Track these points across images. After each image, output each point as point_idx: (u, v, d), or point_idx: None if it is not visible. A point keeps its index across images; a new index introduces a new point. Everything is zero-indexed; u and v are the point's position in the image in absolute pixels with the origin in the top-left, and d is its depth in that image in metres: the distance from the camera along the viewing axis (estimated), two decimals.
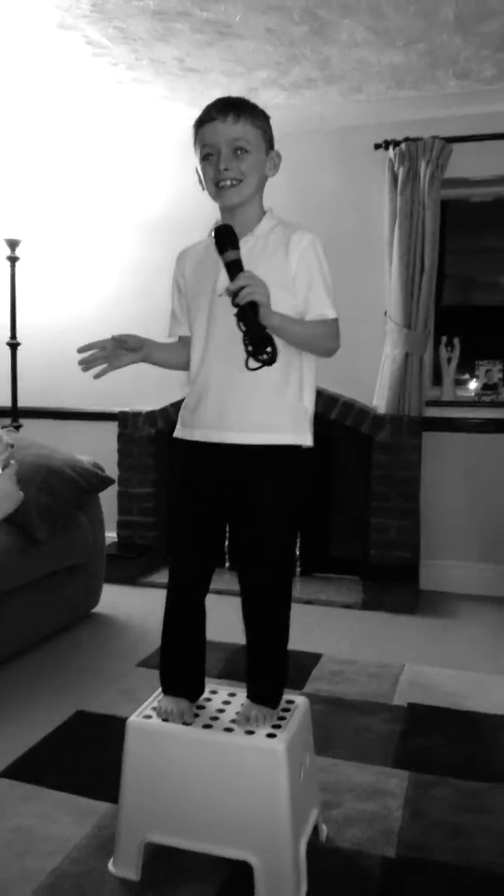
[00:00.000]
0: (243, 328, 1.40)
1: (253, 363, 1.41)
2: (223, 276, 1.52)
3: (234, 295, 1.41)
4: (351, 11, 2.78)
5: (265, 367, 1.44)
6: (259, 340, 1.39)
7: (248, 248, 1.51)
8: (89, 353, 1.57)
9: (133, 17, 2.88)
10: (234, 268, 1.43)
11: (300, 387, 1.58)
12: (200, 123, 1.52)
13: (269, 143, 1.56)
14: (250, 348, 1.40)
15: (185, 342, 1.68)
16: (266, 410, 1.53)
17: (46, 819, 1.72)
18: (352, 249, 3.71)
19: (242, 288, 1.40)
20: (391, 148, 3.59)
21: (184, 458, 1.61)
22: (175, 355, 1.69)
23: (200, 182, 1.57)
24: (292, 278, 1.52)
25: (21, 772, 1.93)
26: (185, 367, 1.67)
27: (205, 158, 1.52)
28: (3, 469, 1.38)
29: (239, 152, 1.50)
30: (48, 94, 3.69)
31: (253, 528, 1.56)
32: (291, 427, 1.55)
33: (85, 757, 2.02)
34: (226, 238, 1.46)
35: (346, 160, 3.78)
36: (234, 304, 1.41)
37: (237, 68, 3.34)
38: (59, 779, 1.89)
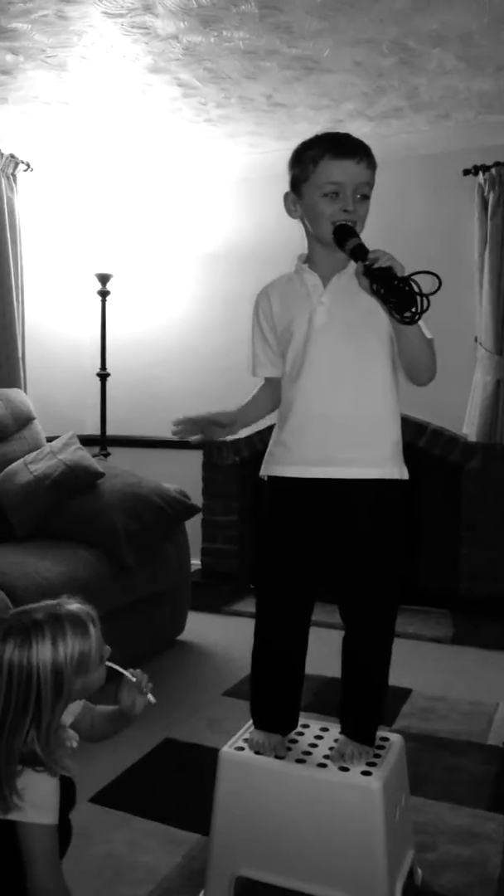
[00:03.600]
0: (382, 291, 1.34)
1: (406, 316, 1.34)
2: (321, 311, 1.52)
3: (369, 265, 1.36)
4: (441, 41, 2.78)
5: (367, 400, 1.49)
6: (406, 293, 1.32)
7: (342, 285, 1.50)
8: (182, 426, 1.60)
9: (223, 58, 2.96)
10: (362, 249, 1.40)
11: (397, 420, 1.56)
12: (328, 157, 1.47)
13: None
14: (395, 304, 1.33)
15: (271, 383, 1.67)
16: (369, 444, 1.51)
17: (136, 847, 1.72)
18: (440, 276, 3.66)
19: (377, 259, 1.35)
20: (481, 173, 3.55)
21: (278, 494, 1.59)
22: (265, 405, 1.69)
23: (291, 211, 1.56)
24: (384, 315, 1.47)
25: (111, 798, 1.94)
26: (275, 408, 1.67)
27: (326, 195, 1.48)
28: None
29: (360, 197, 1.49)
30: (138, 135, 3.82)
31: (359, 563, 1.53)
32: (393, 461, 1.53)
33: (174, 786, 2.02)
34: (347, 232, 1.44)
35: (434, 187, 3.76)
36: (369, 273, 1.35)
37: (324, 101, 3.38)
38: (149, 807, 1.89)
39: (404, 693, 2.66)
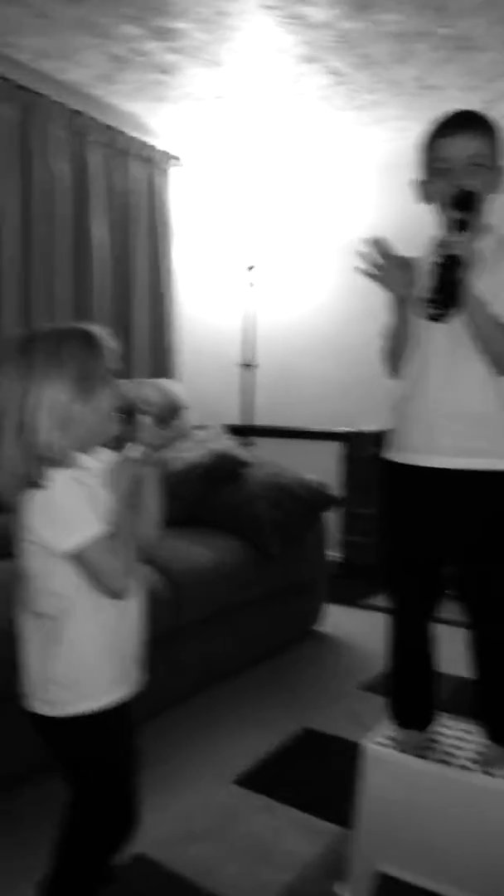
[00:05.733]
0: (436, 281, 1.32)
1: (431, 311, 1.32)
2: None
3: (443, 247, 1.34)
4: None
5: (477, 389, 1.43)
6: (445, 291, 1.29)
7: None
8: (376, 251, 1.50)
9: (375, 43, 2.91)
10: (457, 226, 1.37)
11: None
12: (437, 137, 1.48)
13: (499, 159, 1.50)
14: (432, 299, 1.31)
15: None
16: (477, 435, 1.45)
17: (279, 833, 1.75)
18: None
19: (451, 244, 1.33)
20: None
21: (389, 477, 1.58)
22: None
23: (422, 197, 1.54)
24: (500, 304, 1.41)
25: (254, 782, 1.99)
26: None
27: (438, 173, 1.47)
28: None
29: (475, 168, 1.45)
30: (285, 124, 3.84)
31: (473, 560, 1.49)
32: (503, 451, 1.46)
33: (314, 775, 2.04)
34: (465, 201, 1.40)
35: None
36: (440, 257, 1.33)
37: (475, 81, 3.25)
38: (290, 794, 1.92)
39: None
